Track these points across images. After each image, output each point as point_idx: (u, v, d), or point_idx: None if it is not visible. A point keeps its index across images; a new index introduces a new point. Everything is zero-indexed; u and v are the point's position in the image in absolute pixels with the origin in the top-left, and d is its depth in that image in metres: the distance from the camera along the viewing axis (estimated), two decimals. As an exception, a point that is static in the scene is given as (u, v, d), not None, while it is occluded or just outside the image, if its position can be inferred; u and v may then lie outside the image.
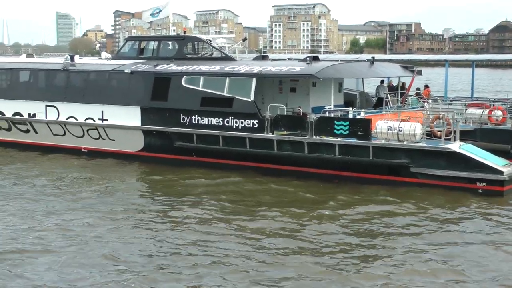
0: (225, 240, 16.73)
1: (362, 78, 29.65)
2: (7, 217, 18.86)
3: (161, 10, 33.00)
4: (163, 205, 20.43)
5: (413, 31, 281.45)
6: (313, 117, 24.21)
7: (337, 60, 30.37)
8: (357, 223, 18.39)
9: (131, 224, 18.27)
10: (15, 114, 30.60)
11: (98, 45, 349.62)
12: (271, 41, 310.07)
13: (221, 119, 25.28)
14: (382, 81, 29.30)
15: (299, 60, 28.55)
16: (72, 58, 30.75)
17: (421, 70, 29.87)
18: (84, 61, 32.41)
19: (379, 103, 28.25)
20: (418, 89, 30.78)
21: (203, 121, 25.70)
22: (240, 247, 16.16)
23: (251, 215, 19.12)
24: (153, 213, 19.49)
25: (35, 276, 14.24)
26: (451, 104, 29.91)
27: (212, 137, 25.50)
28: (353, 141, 22.91)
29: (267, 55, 32.89)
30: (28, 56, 37.77)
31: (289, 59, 32.28)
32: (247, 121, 24.77)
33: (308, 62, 25.52)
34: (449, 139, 22.20)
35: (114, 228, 17.78)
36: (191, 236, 17.04)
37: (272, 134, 24.33)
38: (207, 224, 18.23)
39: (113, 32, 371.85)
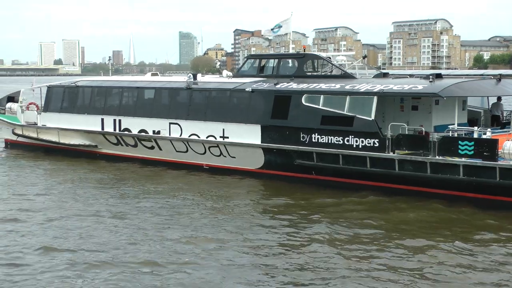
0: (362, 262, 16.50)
1: (488, 97, 28.67)
2: (134, 230, 19.47)
3: (281, 26, 33.30)
4: (288, 224, 20.31)
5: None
6: (436, 136, 23.62)
7: (461, 77, 29.55)
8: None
9: (254, 243, 18.35)
10: (141, 131, 31.59)
11: (218, 63, 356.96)
12: (390, 57, 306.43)
13: (341, 137, 25.10)
14: (499, 98, 28.15)
15: (421, 77, 27.95)
16: (194, 77, 31.43)
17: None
18: (206, 80, 33.04)
19: (493, 121, 27.33)
20: None
21: (323, 140, 25.61)
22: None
23: (383, 236, 18.85)
24: (278, 231, 19.44)
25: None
26: None
27: (332, 155, 25.35)
28: (478, 161, 22.13)
29: (388, 72, 32.43)
30: (152, 74, 39.00)
31: (410, 75, 31.64)
32: (368, 140, 24.47)
33: (431, 80, 24.92)
34: None
35: (236, 245, 17.96)
36: (318, 256, 16.92)
37: (393, 153, 23.91)
38: (335, 245, 17.99)
39: (232, 50, 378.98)
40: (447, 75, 31.07)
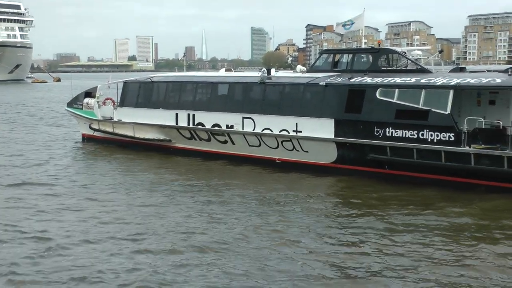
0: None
1: None
2: (197, 221, 19.74)
3: (353, 23, 33.03)
4: (360, 220, 20.25)
5: None
6: (514, 130, 23.14)
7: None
8: None
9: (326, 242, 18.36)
10: (214, 125, 31.94)
11: (290, 58, 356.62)
12: (465, 52, 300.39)
13: (416, 131, 24.82)
14: None
15: (499, 71, 27.39)
16: (268, 72, 31.56)
17: None
18: (280, 75, 33.14)
19: None
20: None
21: (397, 134, 25.37)
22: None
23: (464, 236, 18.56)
24: (349, 227, 19.40)
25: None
26: None
27: (406, 150, 25.10)
28: (558, 156, 21.60)
29: (464, 67, 31.84)
30: (226, 70, 39.35)
31: (488, 70, 31.00)
32: (443, 134, 24.14)
33: (510, 73, 24.41)
34: None
35: (302, 243, 18.02)
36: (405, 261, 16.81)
37: (469, 147, 23.53)
38: (423, 247, 17.75)
39: (304, 45, 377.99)
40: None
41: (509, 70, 24.97)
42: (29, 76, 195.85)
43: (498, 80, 24.01)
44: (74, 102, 39.71)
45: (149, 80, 36.21)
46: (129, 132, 36.03)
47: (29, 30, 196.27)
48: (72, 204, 22.46)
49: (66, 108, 41.21)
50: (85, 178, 27.65)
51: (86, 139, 39.38)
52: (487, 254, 16.39)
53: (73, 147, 37.77)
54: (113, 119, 36.87)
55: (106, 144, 37.08)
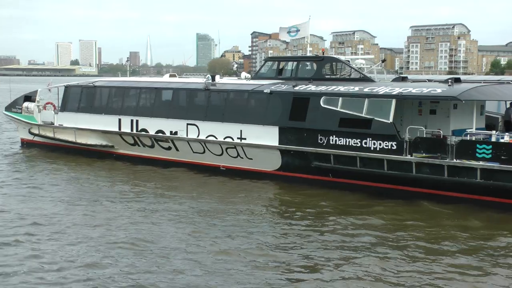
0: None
1: (506, 101, 28.47)
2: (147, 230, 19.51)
3: (298, 30, 33.10)
4: (301, 227, 20.32)
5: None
6: (454, 140, 23.55)
7: (480, 82, 29.43)
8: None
9: (267, 246, 18.33)
10: (158, 131, 31.65)
11: (235, 65, 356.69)
12: (408, 62, 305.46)
13: (359, 140, 25.05)
14: None
15: (440, 81, 27.90)
16: (213, 78, 31.45)
17: None
18: (225, 81, 33.05)
19: (506, 127, 27.08)
20: None
21: (340, 142, 25.57)
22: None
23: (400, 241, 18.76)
24: (291, 234, 19.47)
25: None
26: None
27: (350, 158, 25.31)
28: (496, 165, 22.06)
29: (406, 77, 32.29)
30: (171, 75, 39.03)
31: (429, 80, 31.52)
32: (386, 143, 24.41)
33: (449, 84, 24.85)
34: None
35: (243, 248, 17.94)
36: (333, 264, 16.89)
37: (411, 156, 23.84)
38: (350, 251, 17.97)
39: (250, 53, 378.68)
40: (465, 80, 30.92)
41: (449, 80, 25.41)
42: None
43: (439, 90, 24.44)
44: (13, 106, 38.83)
45: (91, 84, 35.70)
46: (70, 138, 35.43)
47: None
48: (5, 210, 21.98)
49: (4, 111, 40.26)
50: (22, 185, 26.96)
51: (25, 144, 38.56)
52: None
53: (10, 152, 36.90)
54: (54, 124, 36.21)
55: (46, 149, 36.36)
